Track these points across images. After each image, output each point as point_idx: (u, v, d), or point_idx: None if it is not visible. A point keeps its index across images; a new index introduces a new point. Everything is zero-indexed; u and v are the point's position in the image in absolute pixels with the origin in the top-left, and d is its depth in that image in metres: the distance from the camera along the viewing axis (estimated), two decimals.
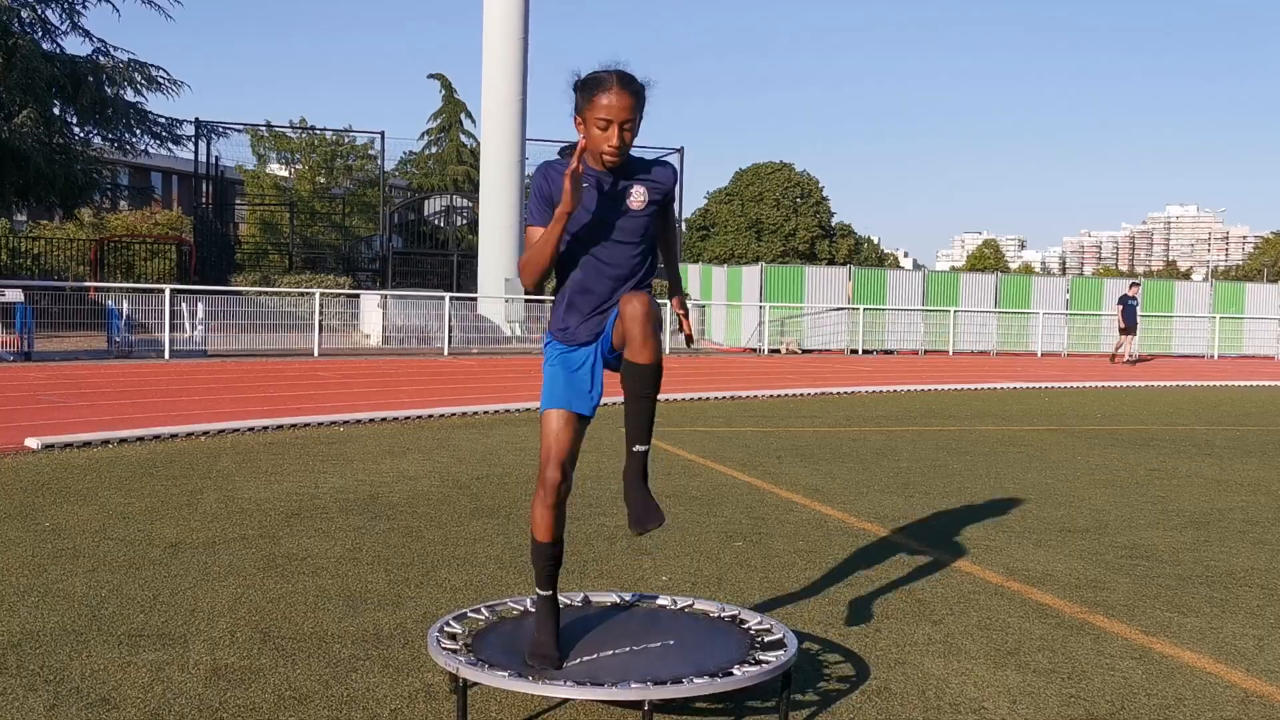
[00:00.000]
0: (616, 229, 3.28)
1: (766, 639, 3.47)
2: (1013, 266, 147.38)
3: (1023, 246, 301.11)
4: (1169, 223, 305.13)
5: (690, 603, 3.87)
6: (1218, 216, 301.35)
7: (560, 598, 3.91)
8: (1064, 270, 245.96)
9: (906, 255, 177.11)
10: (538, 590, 3.44)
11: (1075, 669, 3.80)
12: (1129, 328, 24.68)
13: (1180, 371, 22.58)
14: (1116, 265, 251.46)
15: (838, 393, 15.56)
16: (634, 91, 3.17)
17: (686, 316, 3.58)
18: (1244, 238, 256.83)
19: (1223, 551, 5.70)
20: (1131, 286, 26.14)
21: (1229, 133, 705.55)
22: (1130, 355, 24.82)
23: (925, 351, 26.70)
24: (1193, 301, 30.04)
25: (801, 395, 15.00)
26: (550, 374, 3.39)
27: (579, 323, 3.34)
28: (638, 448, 3.26)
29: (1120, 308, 25.01)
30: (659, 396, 3.28)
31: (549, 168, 3.28)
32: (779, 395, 14.76)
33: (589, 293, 3.32)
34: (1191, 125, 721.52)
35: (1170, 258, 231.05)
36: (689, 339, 3.71)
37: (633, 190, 3.29)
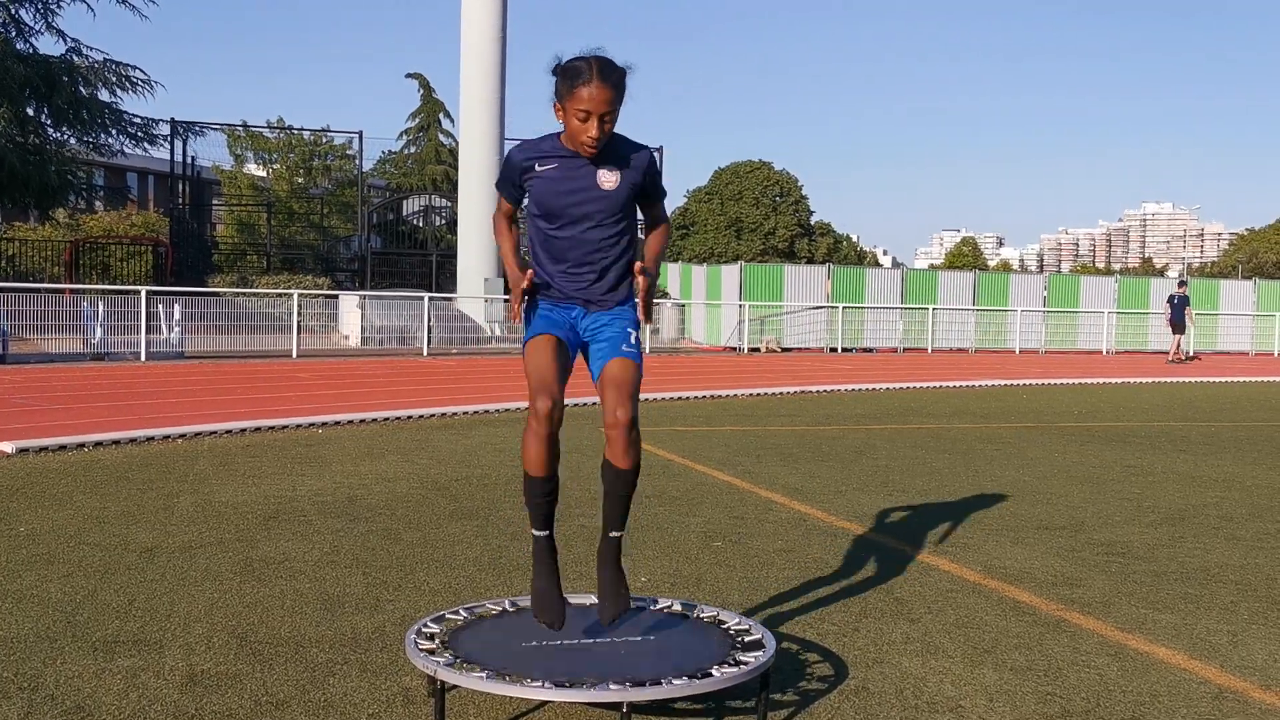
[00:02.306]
0: (591, 210, 3.32)
1: (745, 639, 3.48)
2: (991, 264, 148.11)
3: (1001, 244, 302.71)
4: (1145, 220, 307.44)
5: (669, 603, 3.87)
6: (1193, 214, 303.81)
7: None
8: (1041, 268, 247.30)
9: (885, 253, 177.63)
10: (533, 531, 3.38)
11: (1051, 666, 3.82)
12: (1177, 326, 24.72)
13: (1156, 368, 22.74)
14: (1094, 262, 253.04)
15: (817, 391, 15.60)
16: (613, 83, 3.19)
17: (646, 294, 3.38)
18: (1219, 234, 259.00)
19: (1197, 548, 5.74)
20: (1180, 285, 26.22)
21: (1204, 131, 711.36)
22: (1176, 354, 24.80)
23: (904, 349, 26.81)
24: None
25: (781, 394, 15.04)
26: (530, 318, 3.41)
27: (557, 298, 3.41)
28: (613, 534, 3.38)
29: (1169, 307, 25.08)
30: (635, 488, 3.39)
31: (516, 152, 3.37)
32: (758, 394, 14.79)
33: (565, 274, 3.37)
34: (1167, 123, 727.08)
35: (1146, 254, 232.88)
36: (646, 312, 3.47)
37: (603, 171, 3.32)
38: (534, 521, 3.38)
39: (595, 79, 3.16)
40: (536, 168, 3.33)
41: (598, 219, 3.32)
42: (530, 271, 3.33)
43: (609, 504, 3.36)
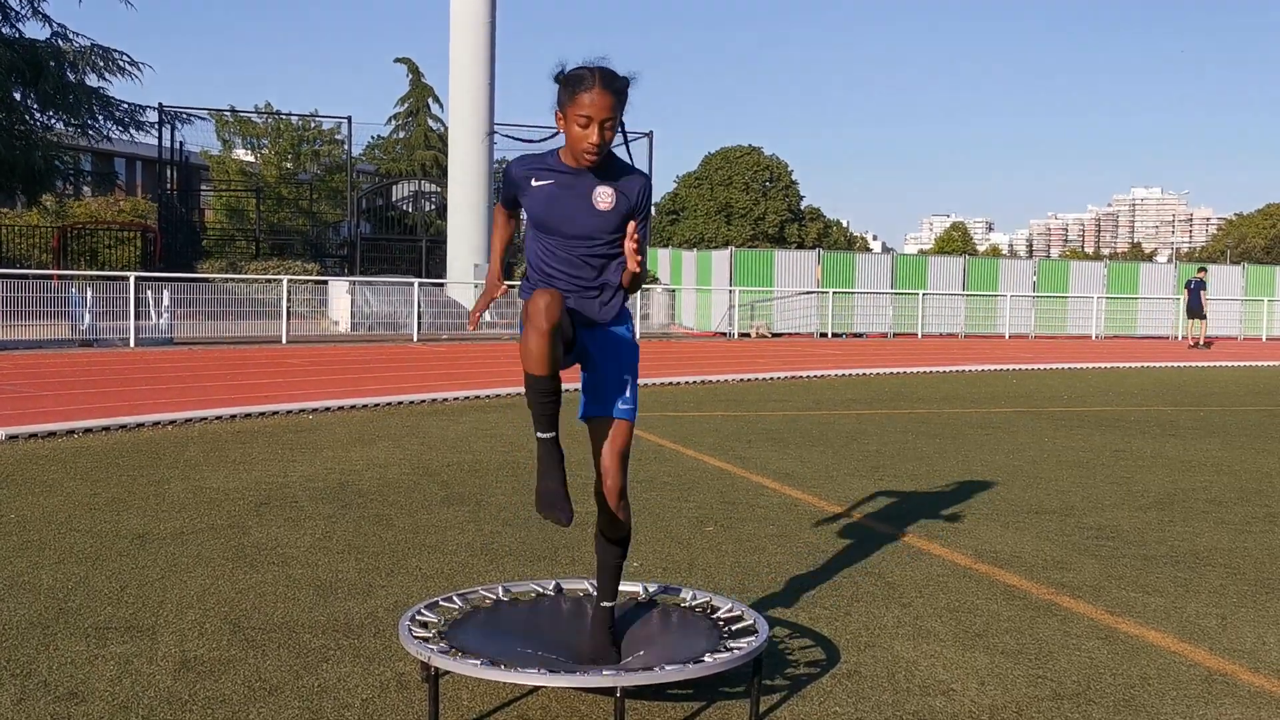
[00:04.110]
0: (584, 228, 3.27)
1: (737, 625, 3.49)
2: (980, 249, 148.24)
3: (990, 229, 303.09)
4: (1134, 205, 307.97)
5: (661, 589, 3.88)
6: (1181, 199, 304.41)
7: (532, 586, 3.92)
8: (1031, 253, 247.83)
9: (875, 238, 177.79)
10: (537, 434, 3.24)
11: (1042, 650, 3.84)
12: (1196, 312, 24.74)
13: (1144, 352, 22.82)
14: (1083, 247, 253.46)
15: (807, 376, 15.62)
16: (615, 90, 3.17)
17: (635, 242, 3.24)
18: (1207, 219, 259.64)
19: (1186, 531, 5.77)
20: (1200, 271, 26.22)
21: (1193, 116, 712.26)
22: (1194, 339, 24.91)
23: (894, 334, 26.84)
24: (1157, 283, 30.35)
25: (771, 379, 15.05)
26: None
27: None
28: (605, 604, 3.47)
29: (1187, 292, 25.13)
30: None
31: (515, 167, 3.35)
32: (749, 379, 14.80)
33: (560, 287, 3.31)
34: (1156, 108, 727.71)
35: (1135, 240, 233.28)
36: (637, 260, 3.28)
37: (599, 190, 3.27)
38: (537, 424, 3.23)
39: (597, 85, 3.14)
40: (533, 182, 3.30)
41: (590, 237, 3.28)
42: (503, 289, 3.48)
43: (601, 575, 3.49)
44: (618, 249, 3.32)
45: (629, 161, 3.35)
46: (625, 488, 3.36)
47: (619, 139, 3.31)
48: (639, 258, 3.26)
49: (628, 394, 3.37)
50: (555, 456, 3.24)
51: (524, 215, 3.46)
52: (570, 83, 3.19)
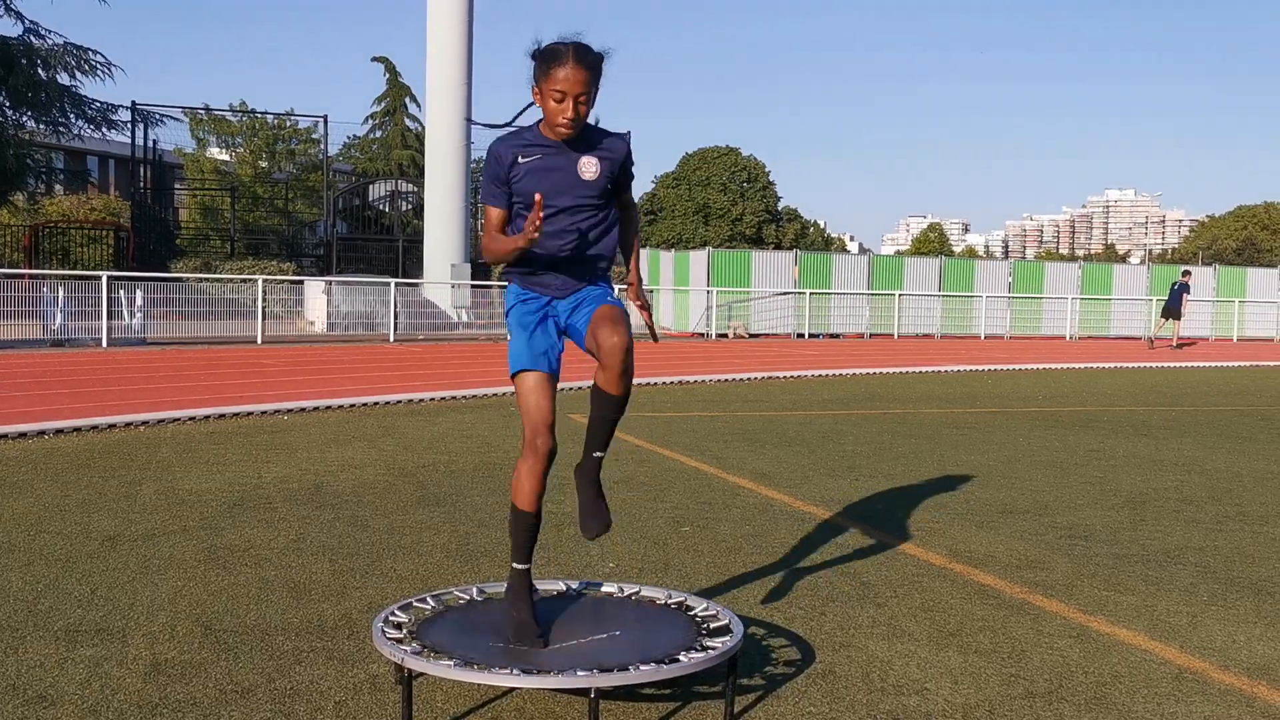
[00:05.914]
0: (572, 200, 3.32)
1: (713, 625, 3.49)
2: (956, 250, 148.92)
3: (966, 230, 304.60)
4: (1108, 206, 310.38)
5: (637, 589, 3.88)
6: (1155, 200, 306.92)
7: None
8: (1006, 254, 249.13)
9: (852, 239, 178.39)
10: (514, 564, 3.44)
11: (1015, 649, 3.86)
12: (1172, 312, 24.86)
13: (1118, 353, 22.99)
14: (1058, 249, 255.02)
15: (784, 377, 15.65)
16: (589, 65, 3.21)
17: (648, 312, 3.63)
18: (1180, 221, 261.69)
19: (1158, 530, 5.82)
20: (1184, 274, 26.38)
21: (1166, 119, 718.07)
22: (1155, 339, 25.02)
23: (870, 335, 26.93)
24: (1131, 285, 30.58)
25: (748, 379, 15.08)
26: (514, 333, 3.43)
27: (538, 282, 3.43)
28: (597, 454, 3.44)
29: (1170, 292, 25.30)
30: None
31: (499, 146, 3.33)
32: (726, 380, 14.82)
33: (548, 262, 3.38)
34: (1130, 111, 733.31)
35: (1109, 241, 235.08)
36: (653, 334, 3.74)
37: (583, 160, 3.32)
38: (516, 555, 3.44)
39: (571, 60, 3.17)
40: (520, 159, 3.32)
41: (579, 208, 3.33)
42: (540, 196, 3.15)
43: (596, 427, 3.40)
44: (604, 216, 3.39)
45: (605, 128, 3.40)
46: (631, 347, 3.26)
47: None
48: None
49: (615, 298, 3.46)
50: (526, 589, 3.42)
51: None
52: (545, 58, 3.22)
